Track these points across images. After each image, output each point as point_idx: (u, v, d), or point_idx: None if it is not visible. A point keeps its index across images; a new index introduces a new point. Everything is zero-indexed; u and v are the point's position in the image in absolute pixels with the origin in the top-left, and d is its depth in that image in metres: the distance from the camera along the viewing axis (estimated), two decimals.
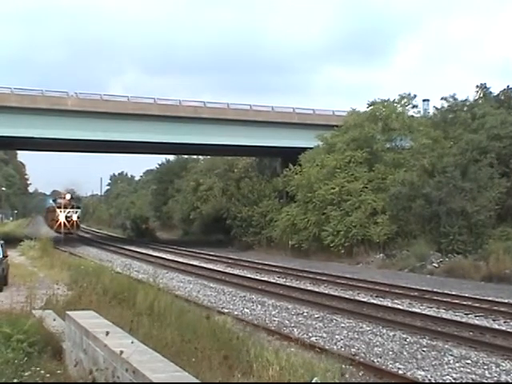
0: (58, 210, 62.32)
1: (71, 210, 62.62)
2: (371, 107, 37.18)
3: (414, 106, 37.75)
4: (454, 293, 19.33)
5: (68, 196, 65.15)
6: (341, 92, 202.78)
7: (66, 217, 61.14)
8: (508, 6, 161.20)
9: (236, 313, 15.80)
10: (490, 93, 37.87)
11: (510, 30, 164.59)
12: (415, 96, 37.47)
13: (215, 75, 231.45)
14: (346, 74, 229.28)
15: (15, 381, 6.79)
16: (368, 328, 14.05)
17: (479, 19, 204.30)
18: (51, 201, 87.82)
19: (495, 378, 10.12)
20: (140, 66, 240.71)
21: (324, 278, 23.78)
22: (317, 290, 20.74)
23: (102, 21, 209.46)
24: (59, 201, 64.72)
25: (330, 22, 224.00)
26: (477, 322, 14.78)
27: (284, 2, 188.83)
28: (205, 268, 28.19)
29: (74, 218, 62.71)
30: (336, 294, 19.79)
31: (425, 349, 11.98)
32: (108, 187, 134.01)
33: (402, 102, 37.09)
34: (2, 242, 19.74)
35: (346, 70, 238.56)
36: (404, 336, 13.12)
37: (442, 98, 36.65)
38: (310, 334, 13.42)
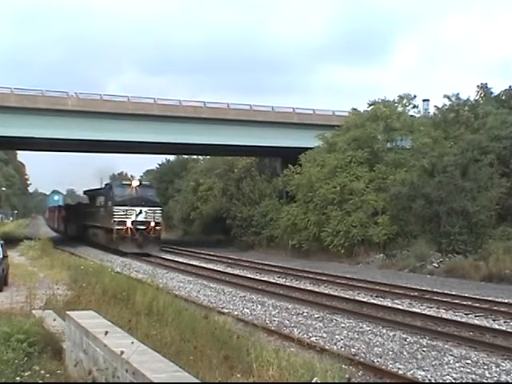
0: (117, 209, 35.61)
1: (145, 208, 36.05)
2: (371, 107, 37.18)
3: (415, 106, 37.83)
4: (454, 293, 19.33)
5: (136, 182, 38.77)
6: (340, 91, 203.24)
7: (136, 222, 35.44)
8: (506, 6, 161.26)
9: (236, 313, 15.79)
10: (491, 93, 37.88)
11: (509, 29, 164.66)
12: (415, 96, 37.56)
13: (215, 75, 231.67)
14: (346, 73, 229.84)
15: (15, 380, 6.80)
16: (368, 328, 14.05)
17: (477, 18, 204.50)
18: (56, 197, 79.21)
19: (495, 378, 10.12)
20: (138, 66, 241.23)
21: (324, 278, 23.78)
22: (317, 290, 20.73)
23: (101, 20, 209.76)
24: (120, 192, 37.05)
25: (329, 21, 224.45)
26: (477, 322, 14.78)
27: (283, 1, 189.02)
28: (205, 268, 28.18)
29: (153, 222, 36.40)
30: (336, 294, 19.78)
31: (425, 349, 11.97)
32: None
33: (403, 102, 37.08)
34: (1, 242, 19.72)
35: (346, 70, 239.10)
36: (404, 336, 13.11)
37: (444, 96, 36.74)
38: (310, 334, 13.41)
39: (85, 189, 57.59)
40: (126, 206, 35.57)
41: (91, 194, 48.10)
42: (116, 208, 35.75)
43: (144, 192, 37.22)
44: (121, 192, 36.90)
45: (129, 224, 35.17)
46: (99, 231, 40.26)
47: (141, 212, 35.63)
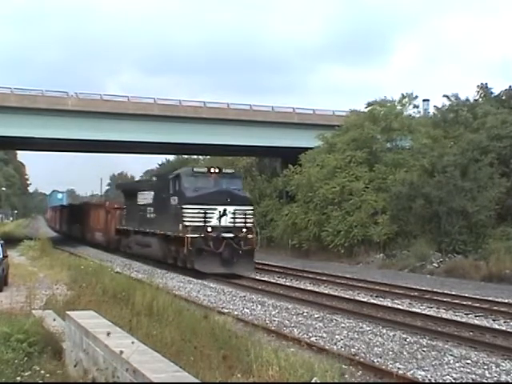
0: (190, 209, 24.50)
1: (232, 207, 24.58)
2: (370, 107, 37.14)
3: (415, 106, 37.82)
4: (454, 293, 19.32)
5: (214, 169, 26.03)
6: (340, 91, 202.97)
7: (220, 228, 24.18)
8: (506, 6, 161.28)
9: (236, 313, 15.77)
10: (491, 93, 37.90)
11: (509, 29, 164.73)
12: (417, 97, 37.56)
13: (215, 75, 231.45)
14: (345, 73, 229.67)
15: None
16: (368, 328, 14.03)
17: (477, 18, 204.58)
18: (60, 196, 75.07)
19: (495, 378, 10.11)
20: (138, 66, 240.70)
21: (324, 278, 23.78)
22: (317, 290, 20.73)
23: (101, 20, 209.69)
24: (193, 184, 25.37)
25: (329, 21, 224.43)
26: (477, 322, 14.78)
27: (283, 1, 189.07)
28: None
29: (244, 228, 25.11)
30: (336, 294, 19.78)
31: (425, 349, 11.96)
32: (108, 187, 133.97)
33: (403, 102, 37.05)
34: (1, 242, 19.73)
35: (345, 70, 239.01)
36: (404, 336, 13.10)
37: (444, 96, 36.78)
38: (310, 334, 13.40)
39: (119, 182, 48.41)
40: (203, 204, 24.32)
41: (133, 187, 36.40)
42: (188, 207, 24.52)
43: (228, 184, 25.65)
44: (194, 184, 25.32)
45: (209, 230, 24.17)
46: (153, 240, 28.89)
47: (225, 213, 24.32)
